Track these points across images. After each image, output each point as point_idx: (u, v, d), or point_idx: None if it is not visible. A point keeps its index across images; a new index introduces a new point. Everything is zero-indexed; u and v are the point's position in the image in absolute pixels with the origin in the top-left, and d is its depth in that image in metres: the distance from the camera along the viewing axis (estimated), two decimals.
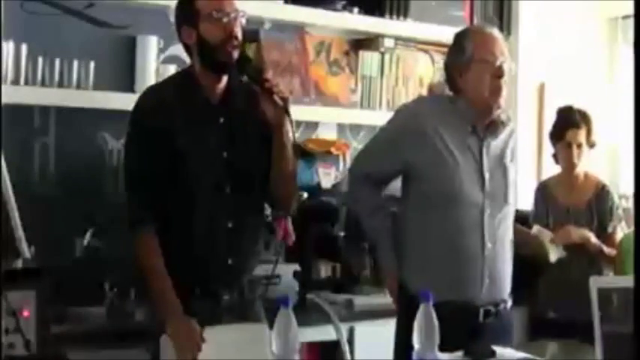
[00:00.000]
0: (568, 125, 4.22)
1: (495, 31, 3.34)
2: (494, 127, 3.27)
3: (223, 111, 3.03)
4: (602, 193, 4.27)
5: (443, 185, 3.22)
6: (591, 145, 4.25)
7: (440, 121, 3.27)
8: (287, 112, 2.95)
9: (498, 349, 2.82)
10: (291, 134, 3.00)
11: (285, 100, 2.94)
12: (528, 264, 3.82)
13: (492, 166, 3.26)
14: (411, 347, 2.54)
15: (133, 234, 2.99)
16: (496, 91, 3.20)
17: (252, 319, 2.99)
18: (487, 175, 3.23)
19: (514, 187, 3.34)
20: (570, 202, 4.23)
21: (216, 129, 3.01)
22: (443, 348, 2.56)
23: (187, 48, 3.06)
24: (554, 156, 4.31)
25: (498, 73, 3.20)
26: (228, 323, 2.98)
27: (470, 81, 3.23)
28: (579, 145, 4.21)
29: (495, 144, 3.28)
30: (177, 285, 2.94)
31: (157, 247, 2.96)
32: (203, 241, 3.00)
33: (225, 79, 3.03)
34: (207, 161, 2.99)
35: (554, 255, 4.07)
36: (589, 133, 4.22)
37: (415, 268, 3.29)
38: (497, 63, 3.20)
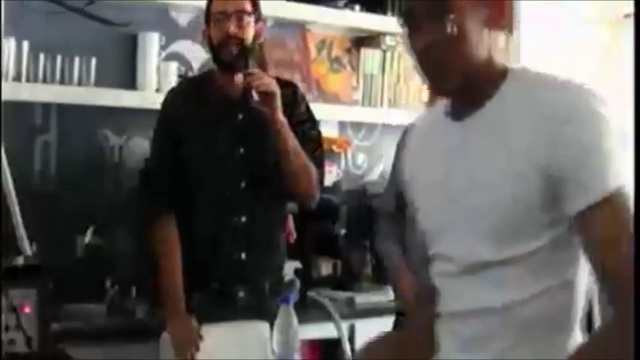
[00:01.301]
0: None
1: None
2: None
3: (242, 107, 3.04)
4: None
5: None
6: None
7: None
8: (270, 106, 2.94)
9: None
10: (285, 127, 2.98)
11: (268, 93, 2.93)
12: None
13: None
14: None
15: (150, 226, 3.01)
16: None
17: (266, 316, 2.96)
18: None
19: None
20: None
21: (234, 125, 3.05)
22: None
23: None
24: None
25: None
26: (241, 319, 2.99)
27: None
28: None
29: None
30: (190, 280, 2.96)
31: (174, 239, 2.99)
32: (215, 236, 3.02)
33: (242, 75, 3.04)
34: (222, 157, 3.02)
35: None
36: None
37: None
38: None
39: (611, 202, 1.62)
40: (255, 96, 2.91)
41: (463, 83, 1.75)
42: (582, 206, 1.63)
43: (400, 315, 3.34)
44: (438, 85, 1.81)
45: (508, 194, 1.69)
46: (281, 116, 2.95)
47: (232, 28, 2.98)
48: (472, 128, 1.78)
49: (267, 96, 2.91)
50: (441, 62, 1.73)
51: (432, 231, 1.90)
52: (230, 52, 2.99)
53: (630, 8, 4.35)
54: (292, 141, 2.99)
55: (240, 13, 3.01)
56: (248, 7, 3.04)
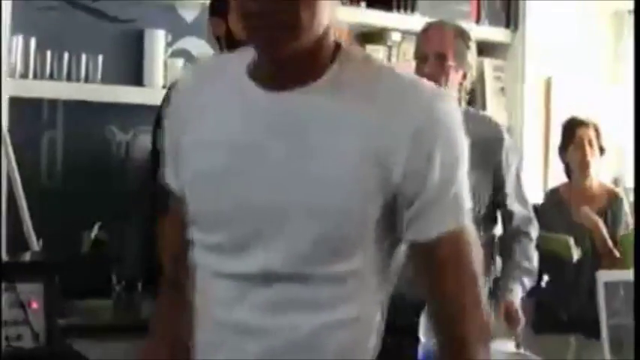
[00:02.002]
0: (576, 124, 4.23)
1: (436, 23, 3.31)
2: None
3: None
4: (615, 201, 4.24)
5: None
6: (601, 149, 4.24)
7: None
8: None
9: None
10: None
11: None
12: (550, 264, 3.82)
13: None
14: None
15: (160, 222, 3.01)
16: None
17: None
18: None
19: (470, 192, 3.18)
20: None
21: None
22: None
23: (217, 39, 3.08)
24: (567, 166, 4.30)
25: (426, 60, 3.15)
26: None
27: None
28: (590, 142, 4.19)
29: None
30: None
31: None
32: None
33: None
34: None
35: (575, 255, 4.06)
36: (598, 134, 4.22)
37: None
38: (424, 51, 3.17)
39: (462, 232, 1.48)
40: None
41: (302, 49, 1.44)
42: (438, 232, 1.45)
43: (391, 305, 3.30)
44: (273, 46, 1.43)
45: (340, 190, 1.41)
46: None
47: None
48: (297, 106, 1.46)
49: None
50: (285, 19, 1.40)
51: (215, 212, 1.51)
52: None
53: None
54: None
55: None
56: None
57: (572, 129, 4.24)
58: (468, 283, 1.50)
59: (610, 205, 4.22)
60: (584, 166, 4.21)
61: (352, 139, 1.42)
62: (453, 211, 1.46)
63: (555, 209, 4.24)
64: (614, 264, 4.10)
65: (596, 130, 4.23)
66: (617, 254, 4.10)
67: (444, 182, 1.44)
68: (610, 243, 4.11)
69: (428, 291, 1.52)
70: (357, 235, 1.44)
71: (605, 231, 4.11)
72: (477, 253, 1.51)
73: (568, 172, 4.32)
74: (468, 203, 1.49)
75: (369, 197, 1.42)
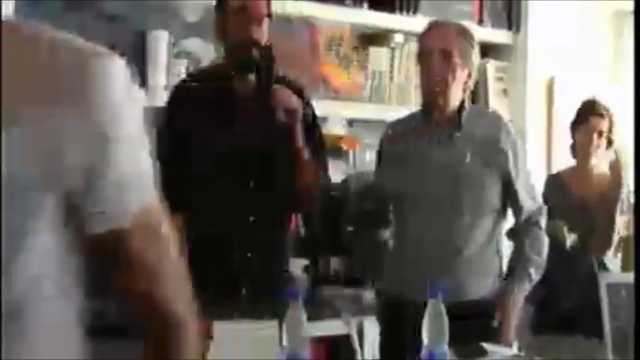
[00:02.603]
0: (593, 111, 4.22)
1: (438, 22, 3.34)
2: (441, 124, 3.22)
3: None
4: (614, 187, 4.26)
5: (391, 186, 3.29)
6: (609, 142, 4.24)
7: (401, 129, 3.34)
8: (294, 122, 2.99)
9: (489, 347, 2.83)
10: (302, 152, 3.02)
11: (290, 110, 2.99)
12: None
13: (439, 165, 3.17)
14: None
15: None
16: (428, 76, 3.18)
17: (271, 314, 2.97)
18: (430, 176, 3.17)
19: (477, 190, 3.20)
20: (585, 192, 4.21)
21: (244, 124, 3.03)
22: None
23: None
24: (572, 146, 4.30)
25: (430, 60, 3.18)
26: (248, 317, 3.00)
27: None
28: (600, 133, 4.20)
29: (451, 142, 3.20)
30: (197, 277, 2.96)
31: (182, 237, 2.99)
32: (222, 234, 3.02)
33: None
34: (231, 156, 3.01)
35: (569, 241, 4.06)
36: (611, 127, 4.22)
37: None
38: (429, 48, 3.19)
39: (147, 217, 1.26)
40: (281, 114, 2.92)
41: None
42: (108, 227, 1.22)
43: (391, 306, 3.32)
44: None
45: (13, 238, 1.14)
46: (300, 136, 2.98)
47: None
48: None
49: (289, 113, 2.95)
50: None
51: None
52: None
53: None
54: (303, 162, 3.01)
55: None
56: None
57: (586, 115, 4.23)
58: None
59: (611, 189, 4.23)
60: (586, 154, 4.22)
61: (17, 161, 1.12)
62: (136, 192, 1.24)
63: (557, 192, 4.26)
64: (608, 244, 4.11)
65: (610, 123, 4.23)
66: (613, 234, 4.12)
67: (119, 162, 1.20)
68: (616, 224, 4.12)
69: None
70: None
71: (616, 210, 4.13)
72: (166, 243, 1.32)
73: (574, 150, 4.32)
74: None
75: (46, 231, 1.17)
